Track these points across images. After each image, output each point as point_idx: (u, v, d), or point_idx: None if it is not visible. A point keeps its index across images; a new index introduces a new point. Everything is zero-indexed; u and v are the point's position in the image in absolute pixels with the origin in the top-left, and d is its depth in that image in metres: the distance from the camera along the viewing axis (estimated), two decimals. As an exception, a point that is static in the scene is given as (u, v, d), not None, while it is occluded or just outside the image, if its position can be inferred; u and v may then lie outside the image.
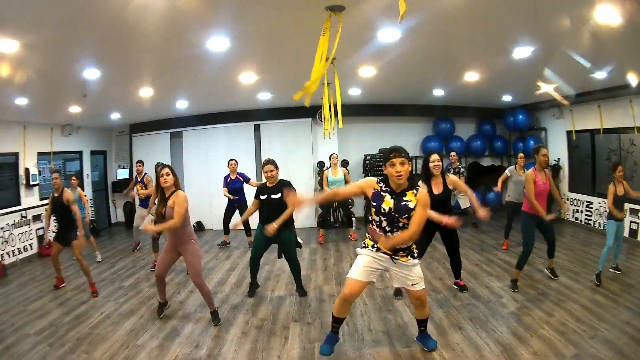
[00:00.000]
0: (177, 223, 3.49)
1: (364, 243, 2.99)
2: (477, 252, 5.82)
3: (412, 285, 2.90)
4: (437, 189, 4.03)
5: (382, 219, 2.80)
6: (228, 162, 6.55)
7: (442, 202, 4.00)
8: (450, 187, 4.06)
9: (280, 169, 4.31)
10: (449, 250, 4.24)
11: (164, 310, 4.01)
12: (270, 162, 4.22)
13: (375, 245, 2.88)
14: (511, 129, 8.78)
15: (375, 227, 2.87)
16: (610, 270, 4.62)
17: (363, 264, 2.89)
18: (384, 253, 2.85)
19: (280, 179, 4.26)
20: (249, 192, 6.51)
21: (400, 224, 2.78)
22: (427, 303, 3.08)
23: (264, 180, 4.31)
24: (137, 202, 6.59)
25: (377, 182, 2.86)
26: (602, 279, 4.36)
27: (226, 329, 3.67)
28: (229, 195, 6.43)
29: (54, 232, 5.15)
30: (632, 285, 4.24)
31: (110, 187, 9.37)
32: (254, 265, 4.47)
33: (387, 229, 2.81)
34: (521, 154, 6.08)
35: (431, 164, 4.02)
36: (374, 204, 2.80)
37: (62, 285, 4.98)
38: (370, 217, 2.92)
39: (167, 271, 3.91)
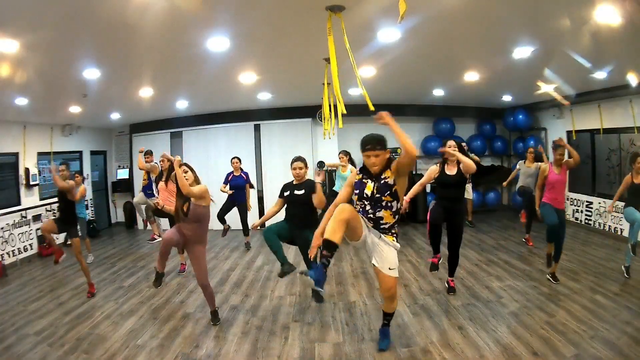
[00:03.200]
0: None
1: None
2: (477, 252, 5.81)
3: (390, 269, 2.89)
4: (451, 171, 4.07)
5: (366, 202, 2.90)
6: (231, 160, 6.55)
7: (454, 185, 4.03)
8: (466, 174, 4.02)
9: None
10: (450, 245, 4.17)
11: (161, 281, 3.81)
12: (300, 159, 4.08)
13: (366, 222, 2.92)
14: (511, 129, 8.77)
15: (360, 210, 2.93)
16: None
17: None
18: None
19: (308, 179, 4.09)
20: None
21: (384, 203, 2.87)
22: (397, 297, 3.12)
23: (292, 178, 4.13)
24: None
25: (357, 173, 3.00)
26: (602, 279, 4.38)
27: (226, 329, 3.68)
28: (227, 191, 6.38)
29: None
30: (632, 285, 4.24)
31: (110, 187, 9.37)
32: (274, 242, 3.89)
33: (371, 211, 2.89)
34: (531, 149, 6.37)
35: (447, 149, 4.10)
36: (357, 191, 2.94)
37: (62, 256, 4.80)
38: (355, 203, 2.99)
39: (176, 244, 3.72)
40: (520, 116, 8.23)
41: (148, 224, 6.60)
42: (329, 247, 2.60)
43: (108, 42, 3.37)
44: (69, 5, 2.60)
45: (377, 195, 2.85)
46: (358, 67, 4.71)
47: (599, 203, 6.72)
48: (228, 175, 6.52)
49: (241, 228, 6.67)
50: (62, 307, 4.33)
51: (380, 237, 2.91)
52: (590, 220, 6.95)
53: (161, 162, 5.38)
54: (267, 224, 4.19)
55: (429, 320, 3.67)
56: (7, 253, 6.10)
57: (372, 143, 2.84)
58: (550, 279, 4.45)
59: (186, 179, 3.54)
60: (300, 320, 3.81)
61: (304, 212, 4.02)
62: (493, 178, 8.78)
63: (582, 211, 7.19)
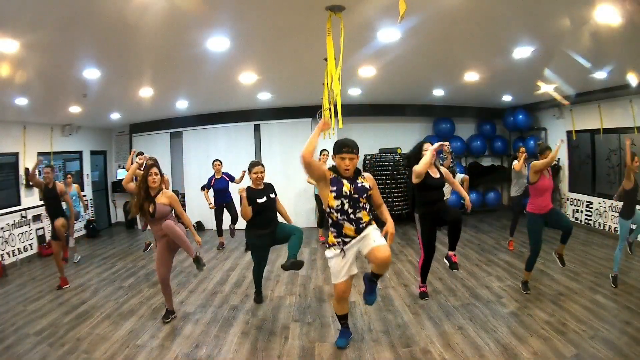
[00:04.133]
0: (189, 220, 3.95)
1: (328, 243, 3.06)
2: (477, 252, 5.81)
3: (374, 241, 2.90)
4: (435, 174, 3.97)
5: (344, 201, 2.88)
6: (212, 163, 6.55)
7: (439, 187, 3.97)
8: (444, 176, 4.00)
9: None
10: (451, 222, 3.92)
11: (171, 318, 3.88)
12: (260, 163, 4.15)
13: (341, 243, 2.95)
14: (511, 129, 8.78)
15: (336, 214, 2.91)
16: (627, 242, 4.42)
17: (337, 268, 3.00)
18: (350, 239, 2.94)
19: (265, 182, 4.13)
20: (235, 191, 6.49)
21: (361, 204, 2.92)
22: (389, 264, 3.09)
23: (250, 182, 4.13)
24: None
25: (331, 172, 2.97)
26: (602, 279, 4.37)
27: (226, 329, 3.67)
28: (210, 199, 6.39)
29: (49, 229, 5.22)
30: (632, 285, 4.24)
31: (110, 187, 9.37)
32: (259, 278, 4.28)
33: (350, 211, 2.89)
34: (522, 148, 5.90)
35: (425, 152, 3.93)
36: (334, 188, 2.90)
37: (66, 286, 4.96)
38: (329, 210, 2.96)
39: (170, 272, 3.86)
40: (520, 116, 8.24)
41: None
42: (343, 317, 3.29)
43: (108, 42, 3.37)
44: (69, 5, 2.60)
45: (355, 196, 2.90)
46: (358, 67, 4.76)
47: (599, 203, 6.72)
48: (210, 179, 6.50)
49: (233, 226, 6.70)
50: (62, 307, 4.33)
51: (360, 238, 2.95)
52: (590, 220, 6.95)
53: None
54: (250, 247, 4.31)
55: (429, 320, 3.67)
56: (7, 253, 6.10)
57: (350, 146, 2.89)
58: (558, 260, 4.33)
59: (154, 181, 3.65)
60: (300, 320, 3.81)
61: (275, 213, 4.14)
62: (492, 178, 8.79)
63: (582, 211, 7.19)
